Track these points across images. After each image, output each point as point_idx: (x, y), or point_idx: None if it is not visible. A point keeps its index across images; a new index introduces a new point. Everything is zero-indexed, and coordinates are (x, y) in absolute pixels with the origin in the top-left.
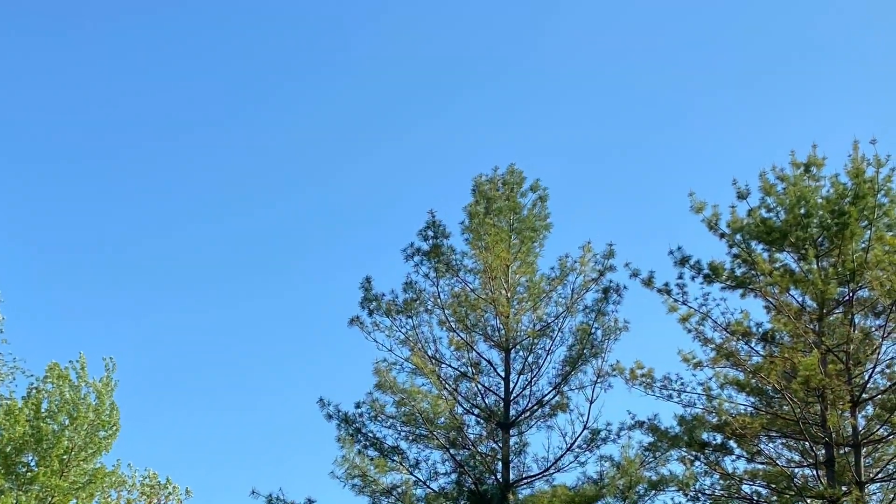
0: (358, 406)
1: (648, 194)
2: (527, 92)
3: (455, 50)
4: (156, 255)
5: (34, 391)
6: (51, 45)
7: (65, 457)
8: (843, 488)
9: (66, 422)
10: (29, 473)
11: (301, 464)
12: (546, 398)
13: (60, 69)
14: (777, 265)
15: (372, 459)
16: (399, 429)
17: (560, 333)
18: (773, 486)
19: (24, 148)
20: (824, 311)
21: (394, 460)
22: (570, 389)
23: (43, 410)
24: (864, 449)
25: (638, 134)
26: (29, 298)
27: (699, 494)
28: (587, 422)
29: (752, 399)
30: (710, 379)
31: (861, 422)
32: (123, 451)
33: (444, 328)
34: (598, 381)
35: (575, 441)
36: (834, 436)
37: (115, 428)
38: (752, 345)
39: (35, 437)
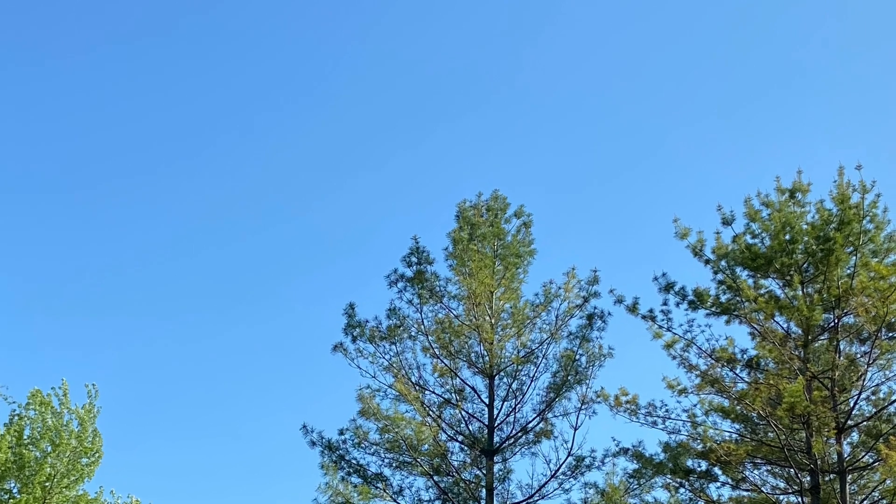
0: (341, 433)
1: (632, 221)
2: (509, 121)
3: (437, 78)
4: (139, 283)
5: (16, 418)
6: (28, 78)
7: (47, 484)
8: None
9: (49, 448)
10: (11, 500)
11: (284, 491)
12: (530, 425)
13: (41, 102)
14: (762, 291)
15: (355, 486)
16: (383, 455)
17: (544, 360)
18: None
19: (4, 177)
20: (809, 337)
21: (377, 487)
22: (555, 416)
23: (25, 437)
24: (850, 476)
25: (621, 162)
26: (11, 326)
27: None
28: (571, 448)
29: (737, 426)
30: (695, 406)
31: (846, 449)
32: (106, 478)
33: (428, 355)
34: (583, 407)
35: (559, 468)
36: (819, 463)
37: (97, 455)
38: (737, 371)
39: (17, 463)
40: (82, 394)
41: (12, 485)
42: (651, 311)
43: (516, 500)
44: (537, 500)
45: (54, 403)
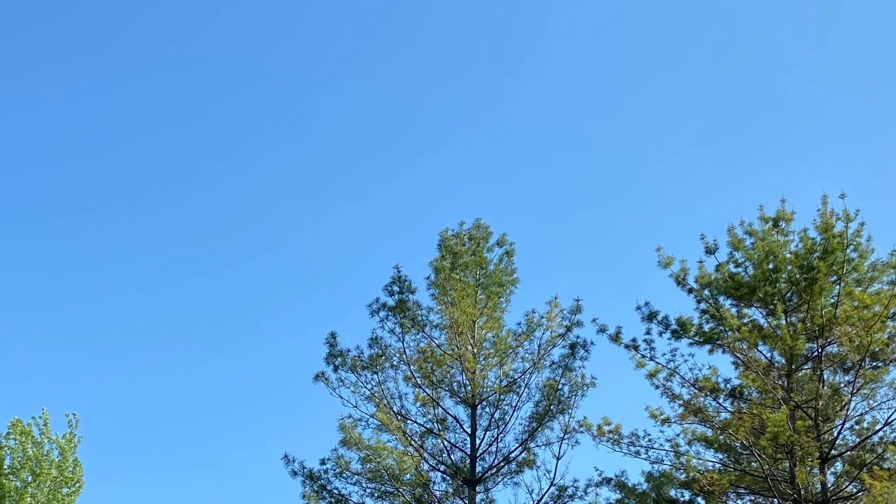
0: (323, 463)
1: (615, 251)
2: (491, 151)
3: (418, 108)
4: (119, 313)
5: None
6: (7, 107)
7: None
8: None
9: (29, 478)
10: None
11: None
12: (513, 454)
13: (22, 131)
14: (745, 321)
15: None
16: (365, 485)
17: (527, 389)
18: None
19: None
20: (793, 366)
21: None
22: (537, 446)
23: (6, 467)
24: None
25: (603, 191)
26: None
27: None
28: (554, 478)
29: (721, 456)
30: (678, 435)
31: (830, 479)
32: None
33: (410, 384)
34: (565, 437)
35: (542, 498)
36: (803, 493)
37: (78, 485)
38: (721, 401)
39: None
40: (63, 423)
41: None
42: (634, 340)
43: None
44: None
45: (35, 433)
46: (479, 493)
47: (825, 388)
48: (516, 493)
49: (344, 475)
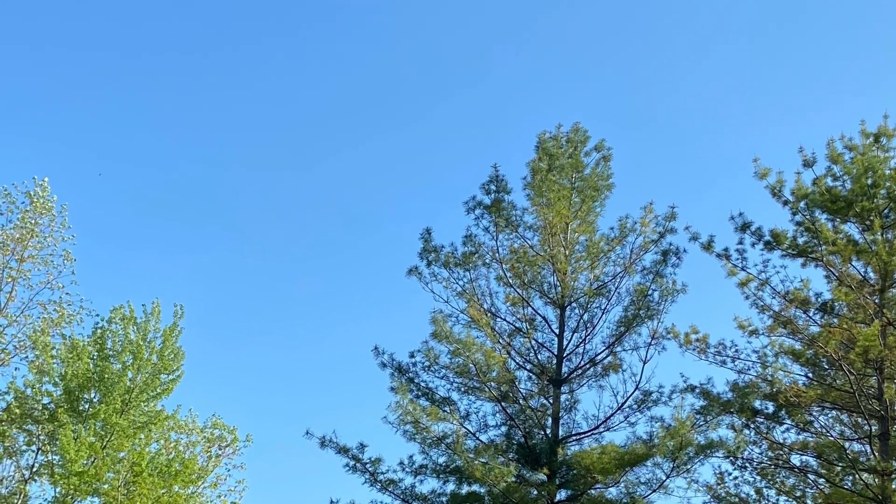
0: (412, 356)
1: (709, 160)
2: (587, 55)
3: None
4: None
5: (99, 330)
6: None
7: (126, 396)
8: None
9: (130, 361)
10: (91, 409)
11: (352, 410)
12: (599, 357)
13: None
14: (841, 235)
15: (424, 408)
16: (451, 380)
17: (616, 293)
18: (823, 458)
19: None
20: (887, 283)
21: (445, 410)
22: (624, 350)
23: (107, 349)
24: None
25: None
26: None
27: (747, 463)
28: (639, 382)
29: (807, 370)
30: (766, 347)
31: None
32: (186, 395)
33: (501, 283)
34: (653, 342)
35: (626, 401)
36: (890, 409)
37: (178, 373)
38: (811, 314)
39: (98, 375)
40: (169, 312)
41: (94, 395)
42: (726, 249)
43: (581, 430)
44: (602, 432)
45: (138, 318)
46: (564, 393)
47: None
48: (601, 395)
49: (432, 368)
